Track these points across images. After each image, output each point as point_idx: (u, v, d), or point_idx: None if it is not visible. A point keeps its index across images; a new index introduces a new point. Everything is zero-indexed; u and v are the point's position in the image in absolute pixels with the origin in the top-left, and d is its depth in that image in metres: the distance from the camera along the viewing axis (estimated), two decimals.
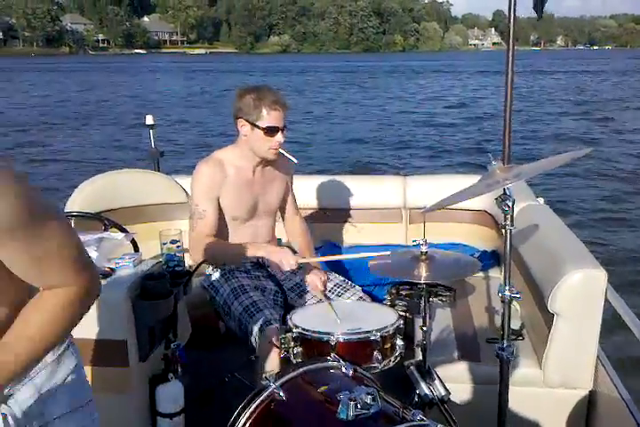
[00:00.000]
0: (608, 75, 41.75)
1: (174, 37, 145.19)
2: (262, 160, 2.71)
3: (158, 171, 3.83)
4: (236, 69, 55.37)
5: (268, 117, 2.56)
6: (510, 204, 1.85)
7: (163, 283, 1.95)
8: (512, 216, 1.87)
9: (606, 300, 2.35)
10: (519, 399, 2.07)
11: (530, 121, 18.63)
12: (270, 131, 2.57)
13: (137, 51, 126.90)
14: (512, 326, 2.01)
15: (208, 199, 2.63)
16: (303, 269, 2.84)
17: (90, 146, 15.59)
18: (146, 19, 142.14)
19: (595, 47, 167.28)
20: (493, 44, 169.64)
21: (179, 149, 13.87)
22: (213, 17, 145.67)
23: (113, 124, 19.59)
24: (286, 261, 2.56)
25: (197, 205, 2.62)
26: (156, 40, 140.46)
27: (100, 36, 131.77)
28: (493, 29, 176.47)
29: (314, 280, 2.75)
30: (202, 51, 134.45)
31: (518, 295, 1.93)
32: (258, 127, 2.57)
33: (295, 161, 2.72)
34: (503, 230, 1.92)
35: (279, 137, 2.60)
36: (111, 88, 34.28)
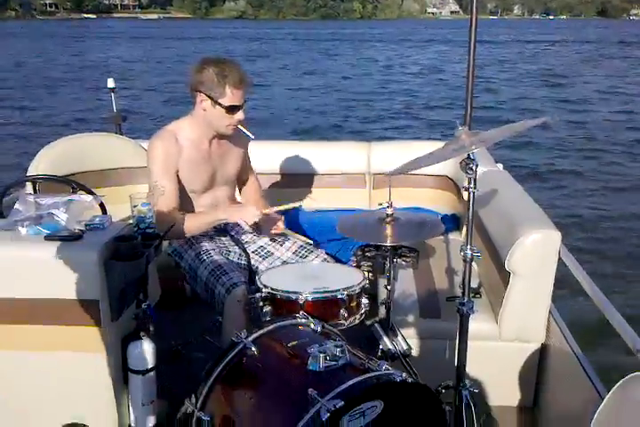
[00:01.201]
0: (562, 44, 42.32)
1: (126, 1, 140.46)
2: (219, 133, 2.69)
3: (121, 135, 3.79)
4: (192, 36, 54.15)
5: (231, 96, 2.52)
6: (474, 167, 1.92)
7: (134, 244, 1.97)
8: (475, 179, 1.94)
9: (559, 258, 2.47)
10: (476, 353, 2.17)
11: (489, 88, 18.90)
12: (232, 109, 2.54)
13: (86, 15, 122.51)
14: (471, 285, 2.10)
15: (166, 175, 2.59)
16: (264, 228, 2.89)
17: (47, 112, 15.24)
18: None
19: (550, 17, 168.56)
20: (452, 12, 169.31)
21: (138, 115, 13.64)
22: None
23: (69, 89, 19.17)
24: (251, 215, 2.59)
25: (156, 181, 2.58)
26: (106, 4, 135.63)
27: (48, 0, 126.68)
28: None
29: (273, 221, 2.80)
30: (155, 16, 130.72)
31: (479, 254, 2.03)
32: (219, 105, 2.53)
33: (252, 137, 2.71)
34: (466, 193, 1.99)
35: (239, 115, 2.57)
36: (64, 54, 33.26)
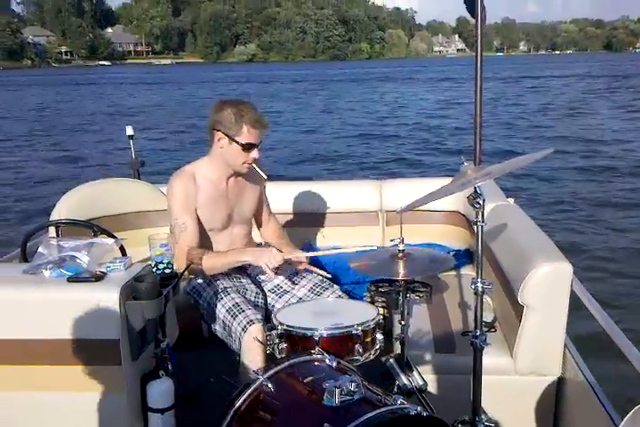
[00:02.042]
0: (569, 79, 42.74)
1: (139, 48, 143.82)
2: (235, 172, 2.79)
3: (139, 180, 3.88)
4: (205, 80, 55.28)
5: (248, 135, 2.63)
6: (481, 201, 1.97)
7: (153, 284, 2.02)
8: (483, 213, 1.99)
9: (572, 290, 2.49)
10: (492, 387, 2.17)
11: (498, 124, 19.10)
12: (248, 147, 2.65)
13: (101, 62, 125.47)
14: (485, 319, 2.11)
15: (186, 211, 2.69)
16: (285, 268, 2.94)
17: (68, 157, 15.55)
18: (109, 30, 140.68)
19: (556, 52, 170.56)
20: (458, 50, 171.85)
21: (155, 160, 13.90)
22: (178, 27, 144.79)
23: (89, 135, 19.64)
24: (274, 260, 2.64)
25: (177, 218, 2.68)
26: (120, 51, 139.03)
27: (63, 49, 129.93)
28: (457, 36, 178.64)
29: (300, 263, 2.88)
30: (168, 61, 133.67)
31: (490, 287, 2.06)
32: (236, 142, 2.63)
33: (265, 177, 2.80)
34: (475, 227, 2.04)
35: (254, 153, 2.67)
36: (81, 100, 34.05)
